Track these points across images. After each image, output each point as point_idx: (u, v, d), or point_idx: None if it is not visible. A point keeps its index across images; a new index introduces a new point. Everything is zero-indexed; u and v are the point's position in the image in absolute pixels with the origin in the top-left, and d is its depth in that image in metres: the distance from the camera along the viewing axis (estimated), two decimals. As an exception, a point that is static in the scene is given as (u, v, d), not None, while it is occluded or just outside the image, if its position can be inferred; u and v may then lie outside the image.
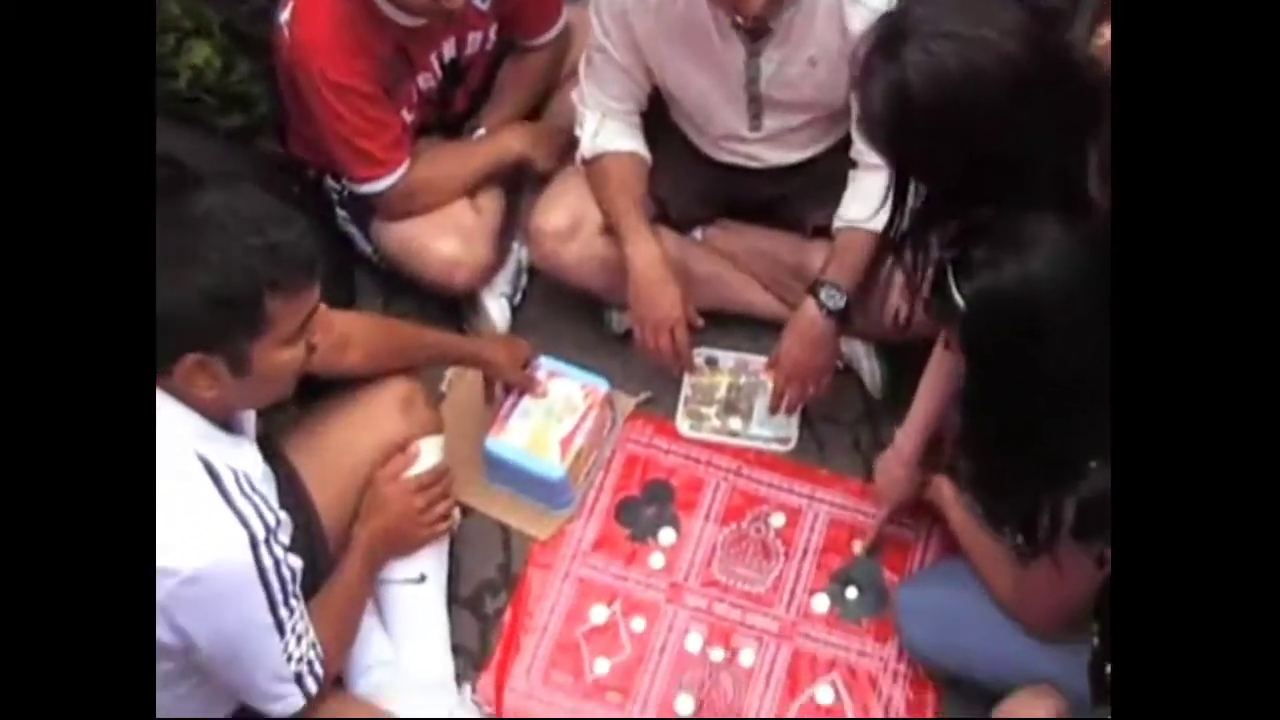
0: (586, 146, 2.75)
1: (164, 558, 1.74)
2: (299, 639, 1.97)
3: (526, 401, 2.77)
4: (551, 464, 2.71)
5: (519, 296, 3.08)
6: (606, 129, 2.73)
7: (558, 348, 2.90)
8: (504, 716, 2.56)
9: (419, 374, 2.57)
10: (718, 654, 2.62)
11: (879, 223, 2.37)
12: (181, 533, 1.76)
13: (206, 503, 1.82)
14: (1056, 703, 2.19)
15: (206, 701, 2.07)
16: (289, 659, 1.97)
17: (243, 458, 1.91)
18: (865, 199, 2.52)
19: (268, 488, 1.94)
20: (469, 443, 2.75)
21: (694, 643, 2.63)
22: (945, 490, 2.44)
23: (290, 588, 1.91)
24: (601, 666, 2.61)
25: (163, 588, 1.76)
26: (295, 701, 2.02)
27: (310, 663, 2.02)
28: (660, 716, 2.56)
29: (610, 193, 2.74)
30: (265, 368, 1.86)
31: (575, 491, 2.79)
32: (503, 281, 3.04)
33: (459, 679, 2.54)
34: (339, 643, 2.17)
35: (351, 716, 2.26)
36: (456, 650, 2.55)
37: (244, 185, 1.86)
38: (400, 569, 2.49)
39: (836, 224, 2.63)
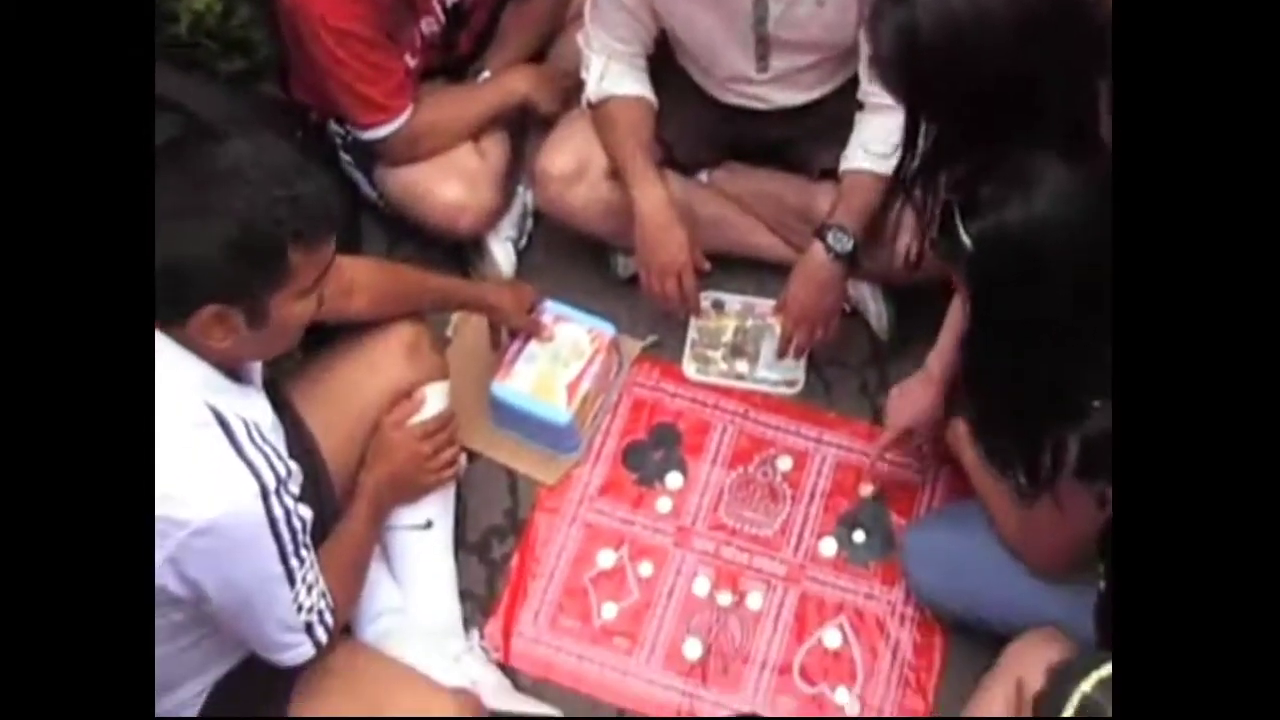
0: (592, 90, 2.72)
1: (175, 509, 1.74)
2: (309, 589, 1.97)
3: (532, 346, 2.76)
4: (558, 408, 2.71)
5: (524, 240, 3.07)
6: (612, 72, 2.71)
7: (563, 292, 2.88)
8: (512, 662, 2.56)
9: (424, 319, 2.55)
10: (725, 598, 2.62)
11: (886, 166, 2.41)
12: (192, 483, 1.77)
13: (217, 453, 1.81)
14: (1063, 645, 2.18)
15: (212, 653, 2.08)
16: (299, 609, 1.96)
17: (253, 408, 1.91)
18: (872, 142, 2.55)
19: (277, 437, 1.93)
20: (475, 388, 2.74)
21: (701, 587, 2.63)
22: (961, 429, 2.43)
23: (301, 538, 1.91)
24: (609, 611, 2.61)
25: (173, 539, 1.76)
26: (305, 651, 2.02)
27: (320, 612, 2.01)
28: (668, 661, 2.56)
29: (616, 137, 2.72)
30: (281, 319, 1.86)
31: (582, 436, 2.78)
32: (508, 226, 3.02)
33: (466, 625, 2.54)
34: (347, 592, 2.17)
35: (360, 664, 2.26)
36: (464, 596, 2.56)
37: (266, 137, 1.85)
38: (407, 515, 2.48)
39: (843, 166, 2.61)
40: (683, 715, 2.51)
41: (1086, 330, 1.82)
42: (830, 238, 2.58)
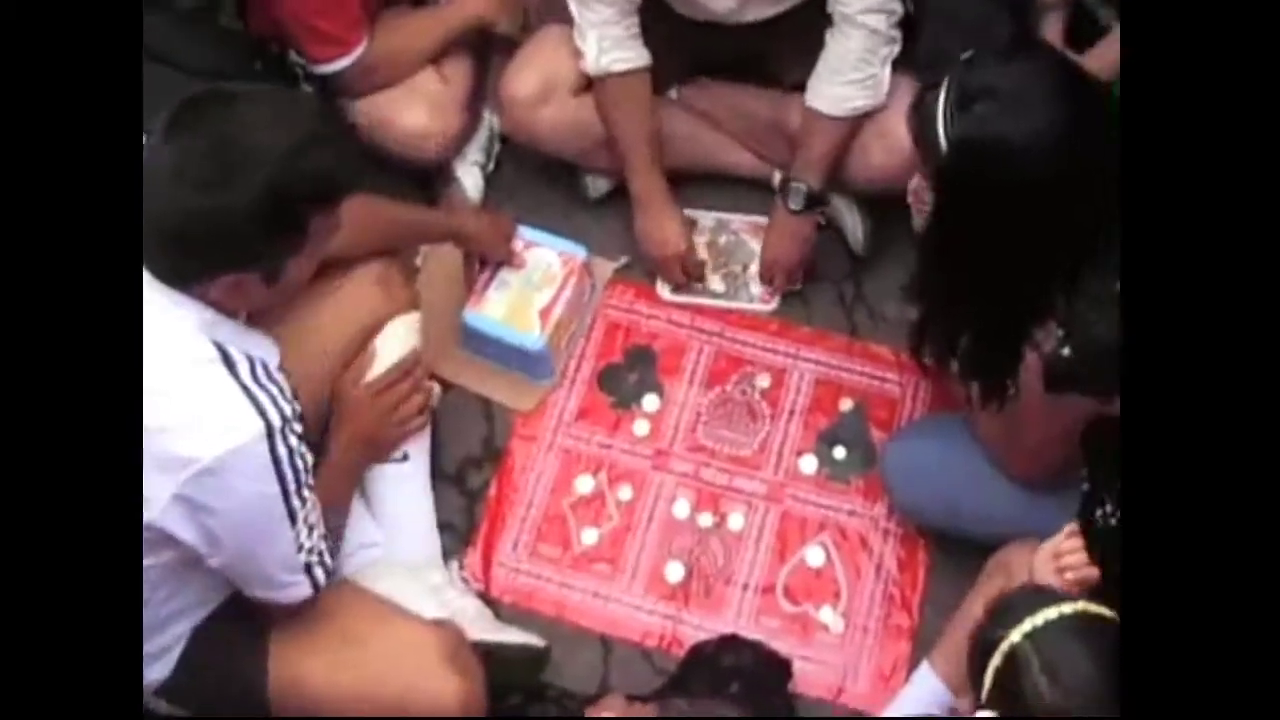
0: (591, 65, 2.68)
1: (181, 446, 1.75)
2: (310, 530, 1.96)
3: (504, 272, 2.72)
4: (531, 335, 2.68)
5: (491, 165, 3.02)
6: (607, 45, 2.65)
7: (533, 215, 2.84)
8: (492, 591, 2.55)
9: (396, 251, 2.51)
10: (706, 519, 2.61)
11: (848, 108, 2.54)
12: (198, 420, 1.77)
13: (222, 389, 1.81)
14: None
15: (199, 595, 2.08)
16: (300, 549, 1.95)
17: (258, 345, 1.90)
18: (835, 74, 2.55)
19: (283, 376, 1.91)
20: (446, 317, 2.71)
21: (682, 509, 2.62)
22: None
23: (303, 478, 1.90)
24: (589, 537, 2.60)
25: (179, 477, 1.77)
26: (303, 591, 2.01)
27: (320, 554, 2.01)
28: (649, 585, 2.55)
29: (618, 119, 2.71)
30: (293, 277, 1.88)
31: (556, 361, 2.75)
32: (475, 150, 2.97)
33: (446, 556, 2.52)
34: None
35: (340, 599, 2.24)
36: (442, 527, 2.53)
37: (287, 102, 1.86)
38: (383, 448, 2.46)
39: (807, 100, 2.61)
40: (665, 638, 2.50)
41: (1043, 256, 1.88)
42: (790, 197, 2.65)
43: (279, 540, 1.93)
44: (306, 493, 1.92)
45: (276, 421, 1.82)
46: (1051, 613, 1.59)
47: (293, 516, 1.91)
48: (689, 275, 2.82)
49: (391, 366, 2.38)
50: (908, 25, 2.57)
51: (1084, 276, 1.88)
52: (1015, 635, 1.59)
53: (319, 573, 2.02)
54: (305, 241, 1.84)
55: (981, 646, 1.63)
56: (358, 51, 2.71)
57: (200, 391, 1.79)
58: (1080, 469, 2.16)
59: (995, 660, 1.60)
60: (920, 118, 1.95)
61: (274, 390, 1.85)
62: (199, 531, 1.85)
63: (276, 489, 1.86)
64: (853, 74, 2.52)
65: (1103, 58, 2.42)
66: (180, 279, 1.79)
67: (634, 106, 2.70)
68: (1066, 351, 1.90)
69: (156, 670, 2.11)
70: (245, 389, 1.82)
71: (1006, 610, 1.65)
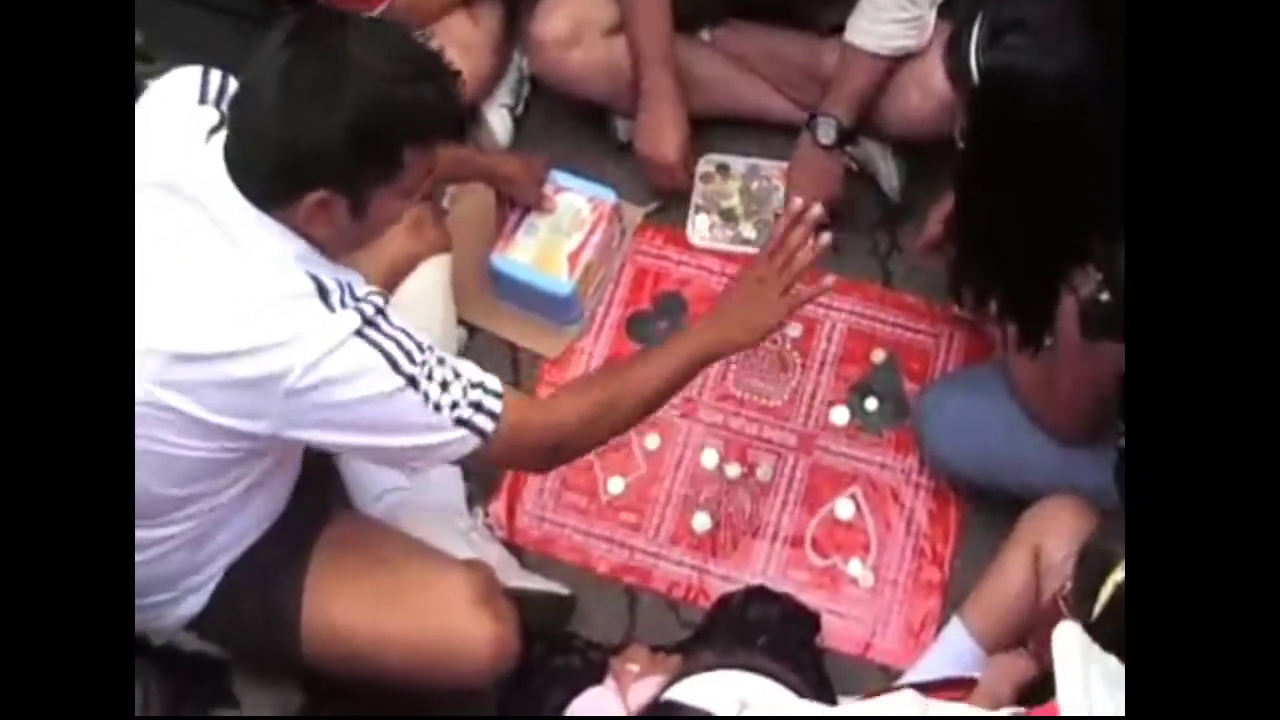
0: None
1: (280, 358, 1.74)
2: (444, 385, 1.86)
3: (533, 216, 2.69)
4: (560, 279, 2.64)
5: (520, 108, 2.97)
6: None
7: (563, 159, 2.79)
8: (516, 539, 2.53)
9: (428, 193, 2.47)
10: (734, 470, 2.57)
11: (890, 45, 2.49)
12: (295, 338, 1.75)
13: (317, 311, 1.78)
14: (1082, 511, 2.15)
15: (245, 527, 2.09)
16: (436, 407, 1.85)
17: (344, 272, 1.86)
18: (881, 10, 2.49)
19: (373, 290, 1.87)
20: (474, 261, 2.67)
21: (710, 459, 2.58)
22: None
23: (410, 347, 1.82)
24: (615, 486, 2.57)
25: (282, 385, 1.75)
26: (471, 443, 1.91)
27: (475, 403, 1.89)
28: (676, 535, 2.52)
29: (637, 23, 2.66)
30: (380, 214, 1.85)
31: (584, 307, 2.72)
32: (504, 93, 2.93)
33: (470, 503, 2.50)
34: (603, 423, 2.08)
35: (373, 538, 2.22)
36: (467, 474, 2.50)
37: (399, 34, 1.82)
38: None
39: (846, 36, 2.55)
40: (691, 590, 2.47)
41: (1065, 196, 1.84)
42: (819, 129, 2.59)
43: (407, 409, 1.84)
44: (424, 354, 1.84)
45: (370, 313, 1.79)
46: None
47: (412, 381, 1.82)
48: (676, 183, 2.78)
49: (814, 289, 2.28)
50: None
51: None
52: (1120, 574, 1.52)
53: (482, 420, 1.90)
54: (396, 174, 1.80)
55: (1096, 562, 1.53)
56: None
57: (297, 315, 1.77)
58: (1117, 425, 2.12)
59: (1118, 574, 1.48)
60: (954, 49, 1.91)
61: (362, 301, 1.81)
62: (328, 433, 1.85)
63: (381, 362, 1.79)
64: (899, 12, 2.47)
65: None
66: (273, 197, 1.77)
67: (654, 12, 2.65)
68: (1105, 297, 1.86)
69: (191, 604, 2.11)
70: (334, 311, 1.79)
71: (1120, 526, 1.55)
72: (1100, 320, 1.88)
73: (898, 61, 2.56)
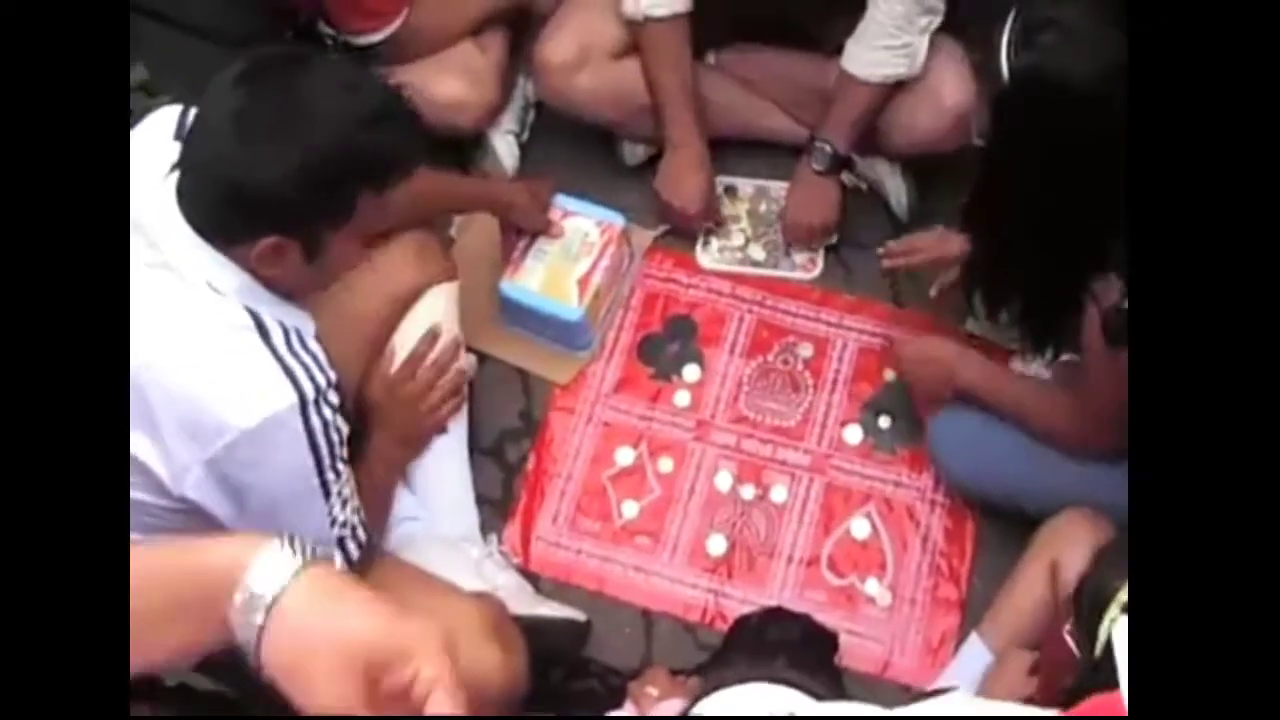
0: (630, 9, 2.64)
1: (213, 414, 1.72)
2: (344, 503, 1.92)
3: (541, 241, 2.67)
4: (569, 305, 2.63)
5: (526, 133, 2.98)
6: None
7: (570, 183, 2.78)
8: (532, 566, 2.51)
9: (432, 222, 2.48)
10: (749, 491, 2.56)
11: (885, 73, 2.50)
12: (231, 389, 1.73)
13: (255, 358, 1.76)
14: (1099, 525, 2.14)
15: None
16: (333, 523, 1.91)
17: (293, 314, 1.86)
18: (872, 38, 2.50)
19: (320, 346, 1.86)
20: (483, 288, 2.66)
21: (724, 481, 2.57)
22: (973, 364, 2.36)
23: (338, 450, 1.86)
24: (630, 510, 2.56)
25: (211, 447, 1.73)
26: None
27: (354, 527, 1.96)
28: (692, 558, 2.51)
29: (655, 66, 2.67)
30: (336, 257, 1.83)
31: (595, 332, 2.71)
32: (509, 119, 2.93)
33: (484, 530, 2.49)
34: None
35: (379, 571, 2.20)
36: (480, 501, 2.50)
37: (360, 75, 1.81)
38: (421, 421, 2.43)
39: (843, 63, 2.56)
40: (708, 612, 2.46)
41: (1091, 201, 1.81)
42: (814, 155, 2.62)
43: (312, 513, 1.88)
44: (341, 466, 1.88)
45: (310, 392, 1.78)
46: None
47: (326, 489, 1.86)
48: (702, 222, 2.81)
49: (406, 358, 2.33)
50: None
51: None
52: None
53: (351, 547, 1.97)
54: (350, 219, 1.78)
55: (1093, 599, 1.54)
56: (396, 23, 2.68)
57: (233, 359, 1.75)
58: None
59: (1112, 612, 1.49)
60: (985, 45, 1.91)
61: (308, 360, 1.80)
62: (229, 504, 1.81)
63: (310, 461, 1.82)
64: (888, 40, 2.48)
65: None
66: (222, 236, 1.75)
67: (673, 53, 2.66)
68: (1128, 305, 1.84)
69: None
70: (279, 358, 1.77)
71: (1118, 560, 1.55)
72: (1124, 329, 1.86)
73: (893, 87, 2.56)
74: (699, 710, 1.47)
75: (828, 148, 2.60)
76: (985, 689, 2.09)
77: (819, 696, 1.43)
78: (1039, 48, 1.82)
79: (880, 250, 2.59)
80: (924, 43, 2.51)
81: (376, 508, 2.19)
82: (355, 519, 1.96)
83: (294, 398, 1.76)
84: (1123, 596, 1.51)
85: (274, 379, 1.76)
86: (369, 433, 2.28)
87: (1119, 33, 1.78)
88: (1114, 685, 1.44)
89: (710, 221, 2.81)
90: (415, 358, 2.34)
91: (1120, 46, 1.77)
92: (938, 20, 2.50)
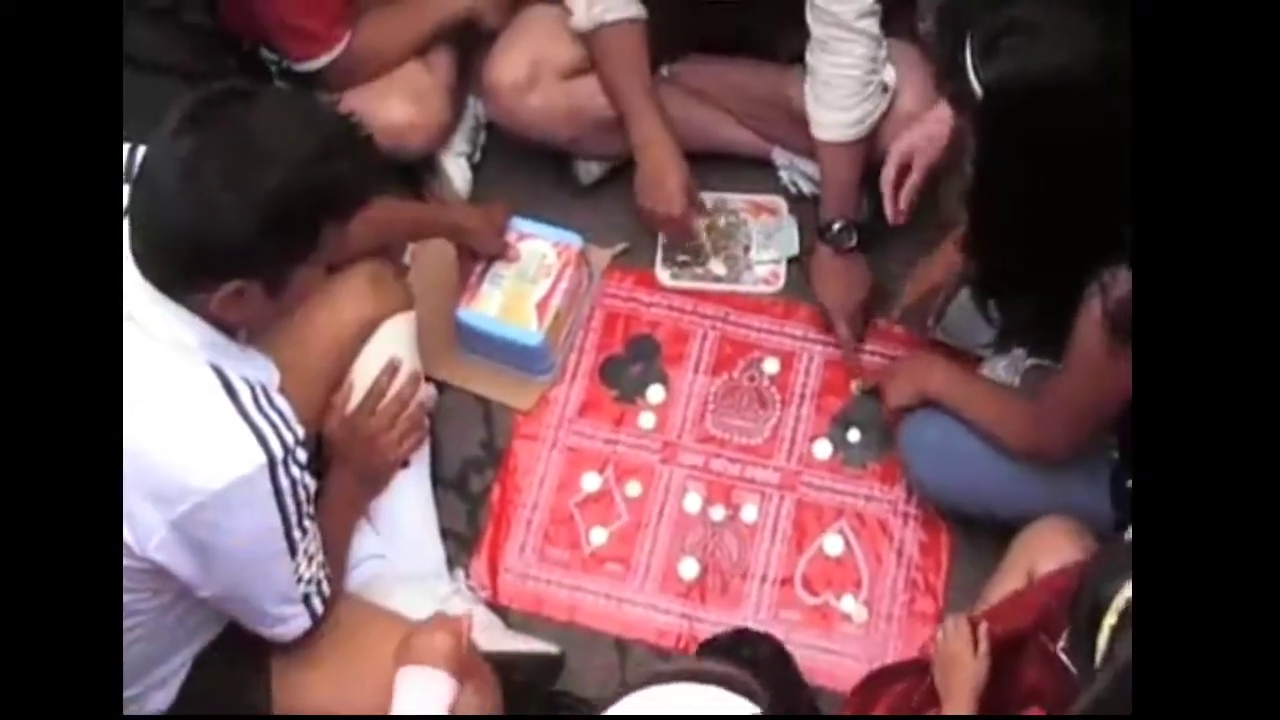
0: (581, 18, 2.61)
1: (180, 476, 1.70)
2: (310, 560, 1.90)
3: (497, 266, 2.63)
4: (529, 329, 2.59)
5: (478, 154, 2.93)
6: None
7: (524, 205, 2.74)
8: (501, 599, 2.47)
9: (387, 250, 2.44)
10: (719, 512, 2.52)
11: (865, 126, 2.46)
12: (198, 451, 1.71)
13: (222, 420, 1.74)
14: (1074, 532, 2.11)
15: (200, 624, 2.02)
16: (299, 580, 1.89)
17: (256, 368, 1.83)
18: (848, 95, 2.45)
19: (285, 400, 1.83)
20: (439, 316, 2.62)
21: (693, 503, 2.54)
22: (937, 372, 2.35)
23: (305, 509, 1.84)
24: (598, 537, 2.52)
25: (176, 509, 1.71)
26: (301, 624, 1.95)
27: (319, 583, 1.94)
28: (664, 583, 2.47)
29: (613, 70, 2.63)
30: (298, 289, 1.80)
31: (556, 356, 2.67)
32: (460, 141, 2.89)
33: (451, 564, 2.45)
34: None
35: (344, 615, 2.16)
36: (445, 534, 2.45)
37: (310, 107, 1.80)
38: (380, 457, 2.38)
39: (815, 133, 2.51)
40: (682, 638, 2.42)
41: (1096, 193, 1.77)
42: (839, 237, 2.55)
43: (278, 572, 1.87)
44: (308, 523, 1.86)
45: (279, 452, 1.75)
46: None
47: (293, 549, 1.85)
48: (684, 236, 2.73)
49: (365, 394, 2.29)
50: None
51: None
52: (1128, 590, 1.49)
53: (317, 603, 1.95)
54: (315, 250, 1.75)
55: (1090, 607, 1.52)
56: (338, 48, 2.63)
57: (201, 421, 1.72)
58: (1106, 439, 2.10)
59: (1110, 618, 1.49)
60: (951, 74, 1.85)
61: (275, 418, 1.77)
62: (195, 564, 1.79)
63: (278, 521, 1.79)
64: (864, 90, 2.44)
65: None
66: (181, 288, 1.72)
67: (629, 56, 2.62)
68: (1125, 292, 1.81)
69: (159, 699, 2.05)
70: (247, 418, 1.74)
71: (1111, 567, 1.54)
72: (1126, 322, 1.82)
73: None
74: (615, 709, 1.43)
75: (847, 226, 2.53)
76: None
77: (754, 696, 1.39)
78: (1004, 53, 1.78)
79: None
80: (890, 69, 2.48)
81: (337, 545, 2.15)
82: (321, 574, 1.94)
83: (263, 458, 1.73)
84: (1119, 603, 1.49)
85: (242, 440, 1.74)
86: (327, 470, 2.24)
87: (1080, 15, 1.76)
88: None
89: (698, 220, 2.74)
90: (375, 393, 2.30)
91: (1085, 28, 1.76)
92: (886, 49, 2.47)
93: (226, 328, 1.79)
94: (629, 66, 2.62)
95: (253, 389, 1.77)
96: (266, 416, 1.76)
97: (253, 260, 1.70)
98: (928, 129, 2.37)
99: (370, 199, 1.81)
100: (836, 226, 2.54)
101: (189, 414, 1.71)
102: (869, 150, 2.51)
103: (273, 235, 1.67)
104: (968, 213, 2.03)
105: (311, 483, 1.85)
